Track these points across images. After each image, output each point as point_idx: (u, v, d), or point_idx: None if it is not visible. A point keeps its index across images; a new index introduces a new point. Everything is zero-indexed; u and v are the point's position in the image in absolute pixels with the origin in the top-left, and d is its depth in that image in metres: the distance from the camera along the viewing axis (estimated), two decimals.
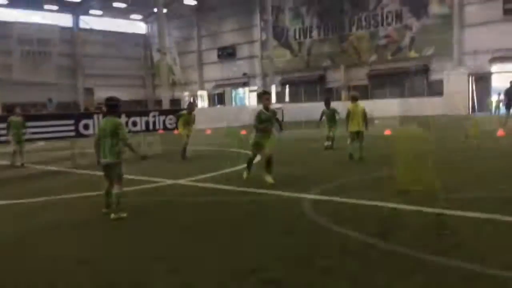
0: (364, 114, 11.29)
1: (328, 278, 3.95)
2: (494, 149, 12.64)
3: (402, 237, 5.01)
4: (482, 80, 35.88)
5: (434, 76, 40.13)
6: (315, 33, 48.66)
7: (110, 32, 59.96)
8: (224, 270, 4.25)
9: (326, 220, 5.81)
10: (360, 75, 45.44)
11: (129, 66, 62.58)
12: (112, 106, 6.43)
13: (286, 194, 7.50)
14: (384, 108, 37.32)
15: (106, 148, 6.21)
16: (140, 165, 8.18)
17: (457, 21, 39.00)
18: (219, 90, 53.90)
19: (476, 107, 35.38)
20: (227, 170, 10.13)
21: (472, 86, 34.50)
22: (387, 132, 17.57)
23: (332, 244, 4.87)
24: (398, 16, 42.81)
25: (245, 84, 54.62)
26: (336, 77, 47.03)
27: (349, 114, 11.41)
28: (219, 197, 7.59)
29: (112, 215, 6.29)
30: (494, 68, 36.82)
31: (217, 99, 51.20)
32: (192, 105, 14.77)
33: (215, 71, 58.28)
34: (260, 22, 52.71)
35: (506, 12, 36.04)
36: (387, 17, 43.55)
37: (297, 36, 49.91)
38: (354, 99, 11.71)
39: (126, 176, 6.73)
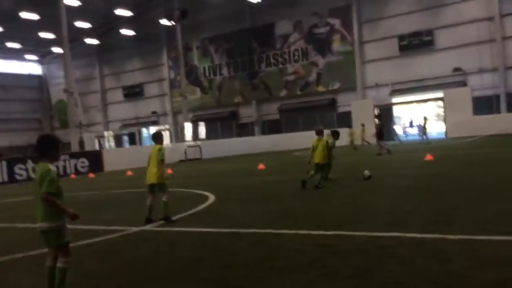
0: (327, 148, 11.33)
1: None
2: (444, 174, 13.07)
3: None
4: (385, 110, 38.31)
5: (341, 109, 42.17)
6: (225, 71, 49.12)
7: (2, 73, 55.45)
8: None
9: None
10: (272, 110, 46.44)
11: (24, 109, 58.15)
12: (43, 147, 4.45)
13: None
14: (299, 140, 38.39)
15: (38, 206, 4.24)
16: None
17: (358, 57, 41.77)
18: (127, 130, 51.66)
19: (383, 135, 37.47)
20: (187, 211, 9.17)
21: (376, 116, 36.59)
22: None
23: None
24: (304, 54, 44.79)
25: (154, 123, 53.06)
26: (248, 113, 47.54)
27: (313, 148, 11.56)
28: (211, 243, 6.53)
29: None
30: (395, 99, 39.61)
31: (129, 138, 48.86)
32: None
33: (121, 111, 56.09)
34: (168, 60, 52.05)
35: (402, 48, 39.32)
36: (294, 55, 45.34)
37: (207, 74, 50.00)
38: (318, 133, 11.64)
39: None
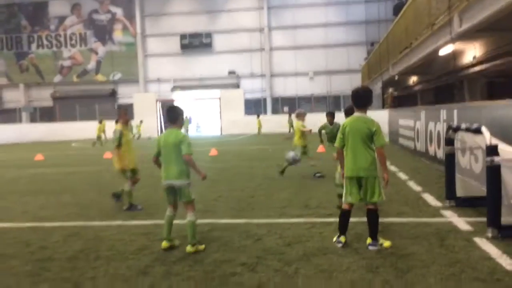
0: (300, 131, 10.45)
1: None
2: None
3: None
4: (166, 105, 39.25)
5: (122, 100, 41.33)
6: None
7: None
8: None
9: None
10: (43, 96, 42.36)
11: None
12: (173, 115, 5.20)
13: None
14: (77, 130, 36.25)
15: (172, 165, 5.01)
16: None
17: (141, 50, 41.58)
18: None
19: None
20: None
21: (159, 110, 37.23)
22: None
23: None
24: (83, 39, 42.31)
25: None
26: (14, 97, 42.30)
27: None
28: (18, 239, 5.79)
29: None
30: (176, 95, 40.88)
31: None
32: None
33: None
34: None
35: (183, 46, 40.81)
36: (71, 39, 42.34)
37: None
38: (299, 116, 10.78)
39: None
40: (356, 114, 4.88)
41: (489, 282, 3.75)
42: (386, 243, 4.76)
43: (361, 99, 4.89)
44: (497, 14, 8.76)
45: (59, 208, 7.65)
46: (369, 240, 4.80)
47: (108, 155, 17.53)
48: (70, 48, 42.46)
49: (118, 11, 41.88)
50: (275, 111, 39.37)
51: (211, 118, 39.64)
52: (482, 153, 5.36)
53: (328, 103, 38.71)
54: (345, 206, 4.92)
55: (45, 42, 42.54)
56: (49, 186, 10.44)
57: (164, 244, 5.00)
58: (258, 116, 35.15)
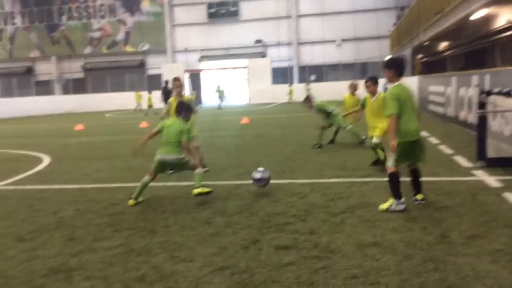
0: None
1: None
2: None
3: None
4: (195, 76, 39.77)
5: (151, 71, 42.06)
6: (18, 20, 43.63)
7: None
8: None
9: None
10: (74, 68, 43.47)
11: None
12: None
13: None
14: (108, 102, 37.30)
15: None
16: None
17: (168, 20, 41.91)
18: None
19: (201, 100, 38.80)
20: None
21: (189, 81, 37.82)
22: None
23: None
24: (112, 10, 42.84)
25: None
26: (47, 69, 43.52)
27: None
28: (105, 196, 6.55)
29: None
30: (203, 65, 41.30)
31: None
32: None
33: None
34: None
35: (210, 15, 40.95)
36: (100, 10, 42.94)
37: None
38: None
39: None
40: (401, 82, 5.12)
41: None
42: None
43: (404, 68, 5.20)
44: None
45: (114, 172, 8.36)
46: (419, 196, 5.14)
47: (144, 124, 18.29)
48: (100, 20, 43.12)
49: None
50: (302, 79, 39.45)
51: (239, 87, 40.05)
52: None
53: (354, 71, 38.49)
54: (394, 169, 4.98)
55: (75, 14, 43.29)
56: (98, 152, 11.20)
57: (131, 202, 5.83)
58: (291, 84, 35.49)
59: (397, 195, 4.97)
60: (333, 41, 39.22)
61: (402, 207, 4.93)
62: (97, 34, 43.25)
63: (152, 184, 6.99)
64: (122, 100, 36.65)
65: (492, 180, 6.07)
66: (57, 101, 38.36)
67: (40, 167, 9.26)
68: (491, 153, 6.97)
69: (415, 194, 5.20)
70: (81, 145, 13.02)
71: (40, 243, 4.50)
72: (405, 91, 5.06)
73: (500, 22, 15.60)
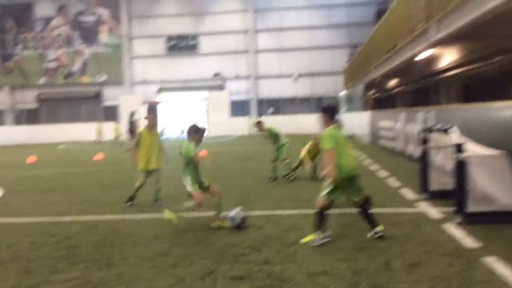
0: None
1: None
2: None
3: None
4: (153, 107, 39.69)
5: (108, 102, 41.65)
6: None
7: None
8: None
9: None
10: (28, 98, 42.31)
11: None
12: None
13: None
14: (62, 133, 36.56)
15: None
16: None
17: (127, 52, 41.95)
18: None
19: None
20: None
21: (147, 112, 37.67)
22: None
23: None
24: (69, 41, 42.43)
25: None
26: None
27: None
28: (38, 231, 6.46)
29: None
30: (161, 97, 41.34)
31: None
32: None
33: None
34: None
35: (169, 48, 41.36)
36: (56, 41, 42.45)
37: None
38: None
39: None
40: (335, 124, 5.45)
41: (453, 257, 4.58)
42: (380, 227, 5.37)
43: (337, 113, 5.63)
44: (471, 23, 9.65)
45: (69, 205, 8.29)
46: (380, 228, 5.29)
47: (99, 156, 18.13)
48: (56, 50, 42.61)
49: (105, 13, 42.16)
50: (260, 112, 40.12)
51: (198, 119, 40.22)
52: (452, 151, 6.20)
53: (311, 105, 39.60)
54: (324, 203, 5.25)
55: (30, 44, 42.59)
56: (52, 185, 11.04)
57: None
58: (259, 117, 36.14)
59: (319, 229, 5.21)
60: (290, 75, 40.35)
61: (318, 243, 5.14)
62: (52, 65, 42.55)
63: (109, 217, 7.03)
64: (76, 132, 36.09)
65: (433, 212, 6.50)
66: (9, 132, 37.26)
67: None
68: (433, 186, 7.46)
69: (372, 228, 5.33)
70: (34, 178, 12.77)
71: None
72: (339, 132, 5.44)
73: (444, 62, 16.71)
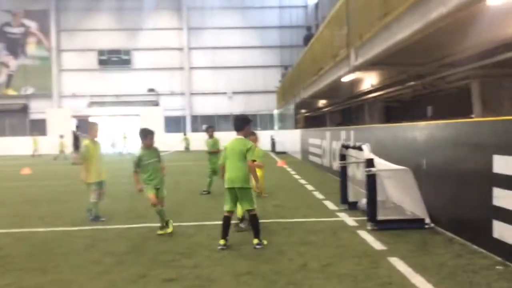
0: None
1: None
2: None
3: None
4: (83, 122, 38.67)
5: (35, 116, 40.07)
6: None
7: None
8: None
9: None
10: None
11: None
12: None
13: None
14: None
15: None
16: None
17: (56, 64, 40.75)
18: None
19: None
20: None
21: (75, 127, 36.59)
22: None
23: None
24: None
25: None
26: None
27: None
28: None
29: None
30: (92, 111, 40.36)
31: None
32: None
33: None
34: None
35: (101, 62, 40.67)
36: None
37: None
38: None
39: None
40: (236, 136, 5.96)
41: (362, 258, 5.18)
42: (265, 242, 5.81)
43: (238, 126, 5.98)
44: (383, 52, 10.66)
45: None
46: (255, 241, 5.73)
47: (26, 171, 17.58)
48: None
49: (32, 25, 40.84)
50: (194, 129, 40.34)
51: (131, 135, 39.58)
52: (364, 165, 6.92)
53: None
54: (225, 213, 5.83)
55: None
56: None
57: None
58: (185, 134, 36.38)
59: (222, 236, 5.76)
60: (225, 93, 41.01)
61: (218, 247, 5.64)
62: None
63: (39, 228, 7.07)
64: (1, 146, 34.34)
65: (350, 220, 7.18)
66: None
67: None
68: (352, 197, 8.18)
69: (256, 237, 5.75)
70: None
71: None
72: (232, 144, 5.89)
73: (367, 85, 17.99)
